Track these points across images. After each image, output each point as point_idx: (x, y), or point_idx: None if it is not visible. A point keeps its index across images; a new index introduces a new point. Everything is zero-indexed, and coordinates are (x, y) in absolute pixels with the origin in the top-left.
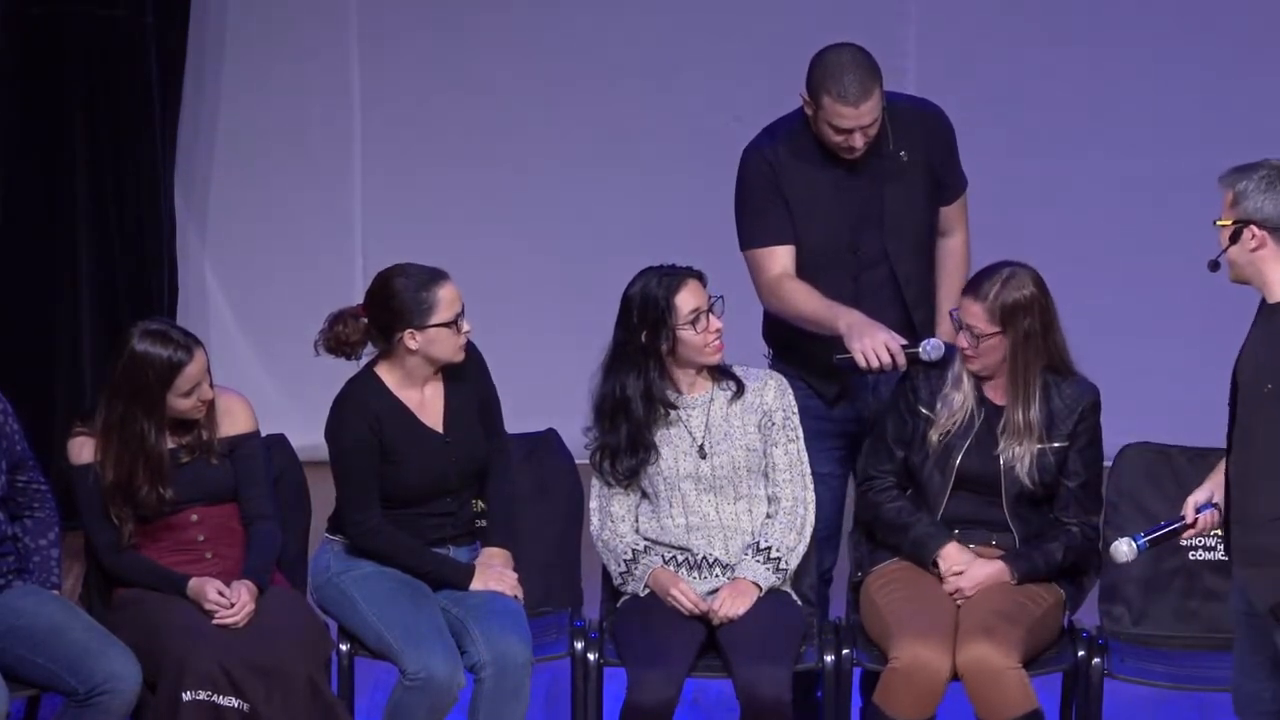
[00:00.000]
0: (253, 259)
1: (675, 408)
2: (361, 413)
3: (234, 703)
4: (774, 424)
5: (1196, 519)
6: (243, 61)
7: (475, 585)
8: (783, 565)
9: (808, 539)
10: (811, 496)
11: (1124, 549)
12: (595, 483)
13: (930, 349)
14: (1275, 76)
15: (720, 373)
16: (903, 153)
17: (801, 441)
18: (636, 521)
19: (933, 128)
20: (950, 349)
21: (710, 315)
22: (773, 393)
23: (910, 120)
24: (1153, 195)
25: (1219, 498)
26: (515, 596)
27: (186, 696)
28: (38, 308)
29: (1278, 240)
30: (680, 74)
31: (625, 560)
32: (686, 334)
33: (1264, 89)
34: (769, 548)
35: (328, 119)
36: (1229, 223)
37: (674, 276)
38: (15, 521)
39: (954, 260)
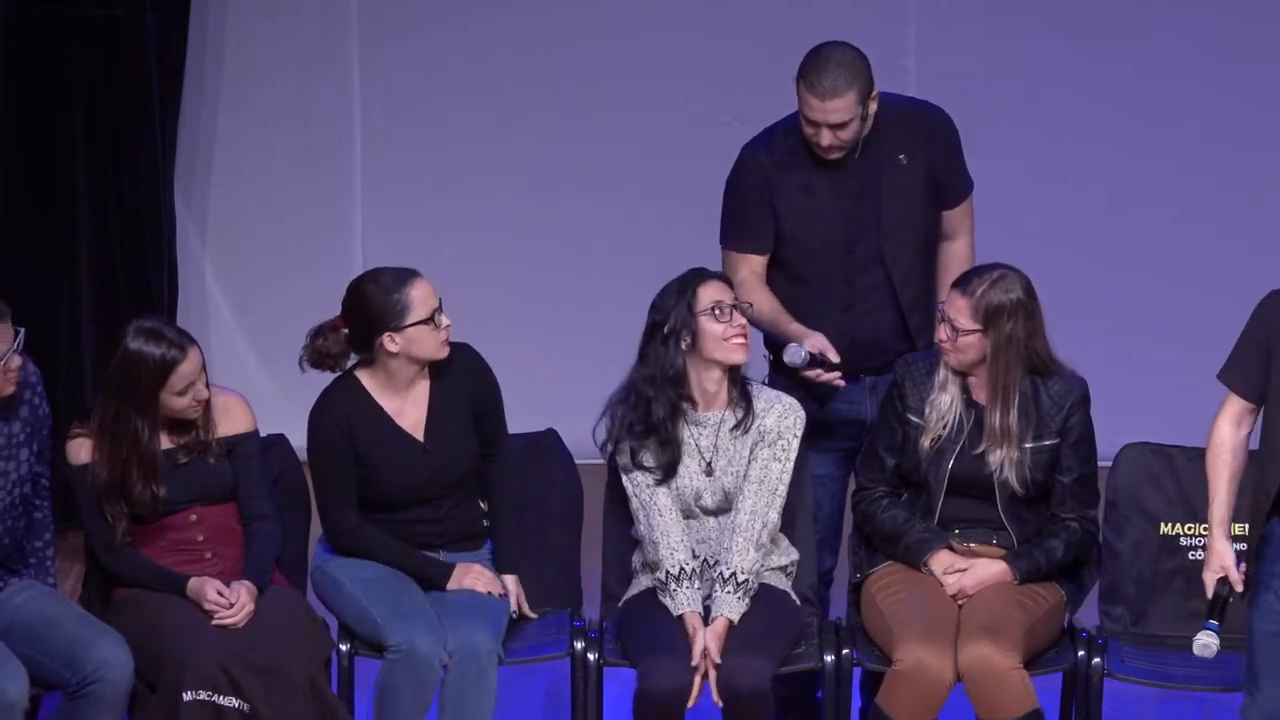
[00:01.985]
0: (253, 259)
1: (695, 405)
2: (333, 416)
3: (234, 703)
4: (764, 443)
5: (1240, 578)
6: (243, 61)
7: (451, 585)
8: (750, 586)
9: (762, 553)
10: (776, 518)
11: (1209, 641)
12: (632, 490)
13: (790, 354)
14: (1277, 78)
15: (739, 396)
16: (902, 156)
17: (788, 464)
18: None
19: (934, 130)
20: (811, 357)
21: (735, 310)
22: (774, 416)
23: (911, 122)
24: (1154, 195)
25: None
26: (489, 593)
27: (187, 696)
28: (38, 308)
29: None
30: (679, 74)
31: (675, 570)
32: (707, 322)
33: (1265, 90)
34: (733, 574)
35: (328, 119)
36: None
37: (699, 273)
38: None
39: (957, 263)
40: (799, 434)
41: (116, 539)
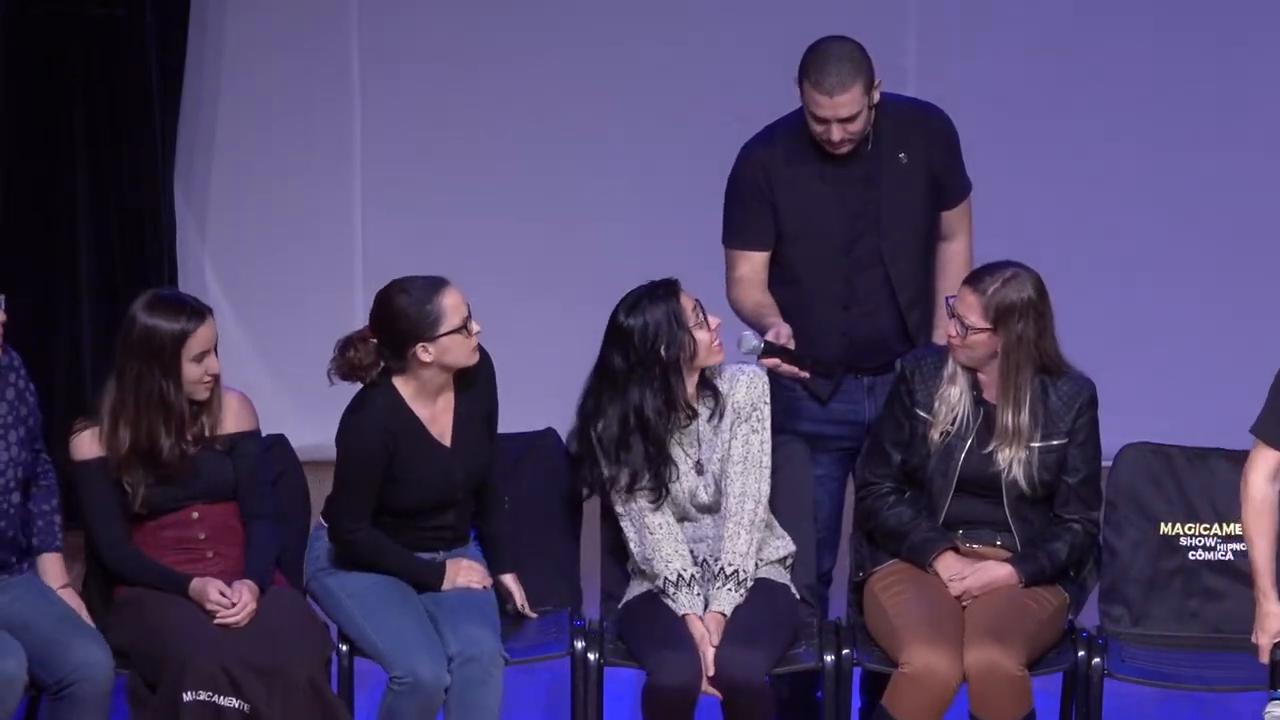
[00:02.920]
0: (253, 259)
1: (697, 414)
2: (377, 428)
3: (234, 703)
4: (740, 418)
5: None
6: (243, 61)
7: (445, 585)
8: (742, 577)
9: (758, 533)
10: (766, 489)
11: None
12: (622, 508)
13: (746, 342)
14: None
15: (704, 385)
16: (902, 155)
17: (765, 434)
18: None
19: (934, 130)
20: (769, 345)
21: (708, 314)
22: (743, 390)
23: (911, 122)
24: (1154, 195)
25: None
26: (484, 587)
27: (187, 697)
28: (38, 308)
29: None
30: (679, 73)
31: (673, 578)
32: (699, 334)
33: (1268, 90)
34: (723, 568)
35: (328, 118)
36: None
37: (665, 287)
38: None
39: (956, 264)
40: (768, 400)
41: (134, 505)
